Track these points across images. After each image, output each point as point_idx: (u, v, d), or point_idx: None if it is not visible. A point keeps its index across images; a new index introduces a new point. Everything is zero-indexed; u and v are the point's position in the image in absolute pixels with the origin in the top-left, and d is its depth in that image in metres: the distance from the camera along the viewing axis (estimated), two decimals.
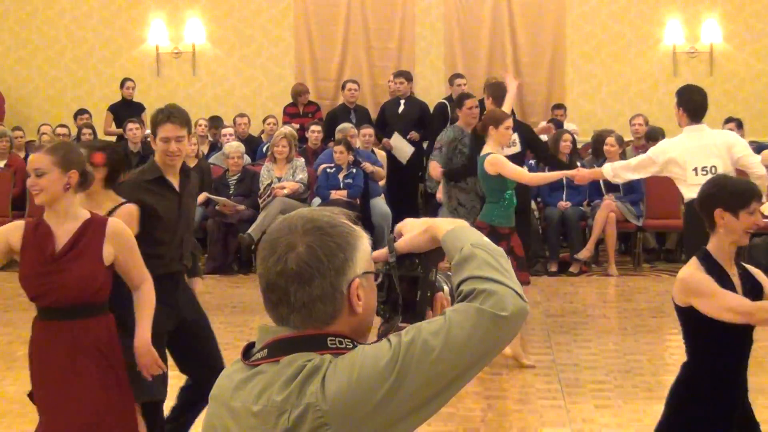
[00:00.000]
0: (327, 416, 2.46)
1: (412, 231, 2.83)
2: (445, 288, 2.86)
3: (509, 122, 9.60)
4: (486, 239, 2.71)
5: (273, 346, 2.62)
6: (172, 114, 6.57)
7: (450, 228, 2.76)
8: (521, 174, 9.66)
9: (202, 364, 6.77)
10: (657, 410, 8.48)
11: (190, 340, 6.76)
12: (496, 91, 11.50)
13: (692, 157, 9.02)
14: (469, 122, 11.56)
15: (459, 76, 16.50)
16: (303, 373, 2.51)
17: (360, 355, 2.53)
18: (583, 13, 18.09)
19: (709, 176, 8.73)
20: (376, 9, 18.28)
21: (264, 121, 16.96)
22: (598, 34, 18.09)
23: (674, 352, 10.20)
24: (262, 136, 16.77)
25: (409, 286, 2.80)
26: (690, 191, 8.75)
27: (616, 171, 9.41)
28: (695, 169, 8.96)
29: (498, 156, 9.39)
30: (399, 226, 2.85)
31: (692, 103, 9.28)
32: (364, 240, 2.70)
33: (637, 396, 8.63)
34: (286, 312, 2.62)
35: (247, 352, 2.70)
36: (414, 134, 15.98)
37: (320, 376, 2.50)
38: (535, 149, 12.13)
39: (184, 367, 6.91)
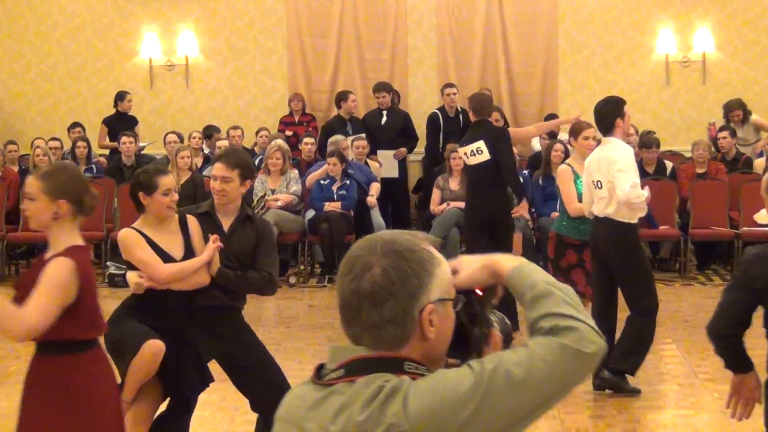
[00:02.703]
0: None
1: (470, 267, 2.84)
2: (496, 326, 2.90)
3: (589, 132, 9.77)
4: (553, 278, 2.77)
5: (350, 366, 2.64)
6: (224, 155, 6.78)
7: (515, 265, 2.80)
8: (570, 199, 9.67)
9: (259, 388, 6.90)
10: (652, 420, 8.51)
11: (242, 375, 6.90)
12: (475, 103, 11.55)
13: (590, 170, 9.13)
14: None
15: (450, 85, 16.52)
16: (383, 393, 2.54)
17: (442, 378, 2.57)
18: (575, 22, 18.12)
19: (597, 190, 8.86)
20: (369, 21, 18.30)
21: (257, 133, 16.97)
22: (590, 44, 18.11)
23: (669, 362, 10.22)
24: (255, 148, 16.78)
25: (465, 323, 2.81)
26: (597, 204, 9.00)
27: (587, 204, 9.41)
28: (592, 182, 9.05)
29: (566, 168, 9.63)
30: (453, 263, 2.83)
31: (596, 114, 9.26)
32: (441, 267, 2.70)
33: (631, 406, 8.62)
34: (358, 331, 2.66)
35: (318, 372, 2.72)
36: (403, 150, 16.05)
37: (401, 396, 2.53)
38: (501, 154, 11.35)
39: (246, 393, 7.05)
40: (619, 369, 8.85)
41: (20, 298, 4.94)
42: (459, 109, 16.03)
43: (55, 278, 4.93)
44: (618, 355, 8.81)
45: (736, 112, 16.09)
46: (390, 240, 2.67)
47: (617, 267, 8.97)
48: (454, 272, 2.81)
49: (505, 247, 11.08)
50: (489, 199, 11.24)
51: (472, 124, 11.67)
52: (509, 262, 2.80)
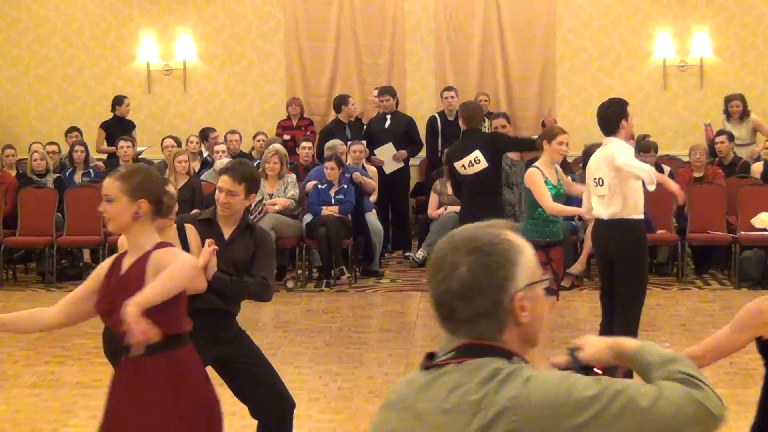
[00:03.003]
0: (523, 422, 2.58)
1: (595, 347, 2.97)
2: None
3: (563, 137, 9.88)
4: None
5: (461, 348, 2.75)
6: (231, 168, 6.76)
7: (641, 344, 2.93)
8: (544, 200, 9.75)
9: (260, 400, 6.89)
10: None
11: (240, 380, 6.88)
12: (467, 112, 11.65)
13: (591, 170, 9.24)
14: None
15: (449, 89, 16.53)
16: (501, 376, 2.64)
17: (570, 378, 2.66)
18: (573, 27, 18.13)
19: (598, 188, 9.01)
20: (367, 25, 18.31)
21: (254, 137, 16.98)
22: (588, 48, 18.13)
23: None
24: (252, 153, 16.78)
25: None
26: (594, 202, 9.16)
27: (588, 208, 9.52)
28: (594, 180, 9.17)
29: (535, 171, 9.69)
30: (579, 341, 3.00)
31: (599, 116, 9.36)
32: (524, 253, 2.80)
33: None
34: (455, 326, 2.77)
35: (426, 361, 2.82)
36: (402, 153, 16.03)
37: (519, 381, 2.62)
38: (504, 147, 11.99)
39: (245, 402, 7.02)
40: None
41: (112, 310, 4.90)
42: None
43: (182, 256, 5.09)
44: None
45: (735, 102, 16.10)
46: (471, 237, 2.77)
47: (625, 270, 9.08)
48: (578, 349, 2.97)
49: None
50: (487, 206, 11.26)
51: (463, 133, 11.74)
52: (633, 343, 2.93)
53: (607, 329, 9.08)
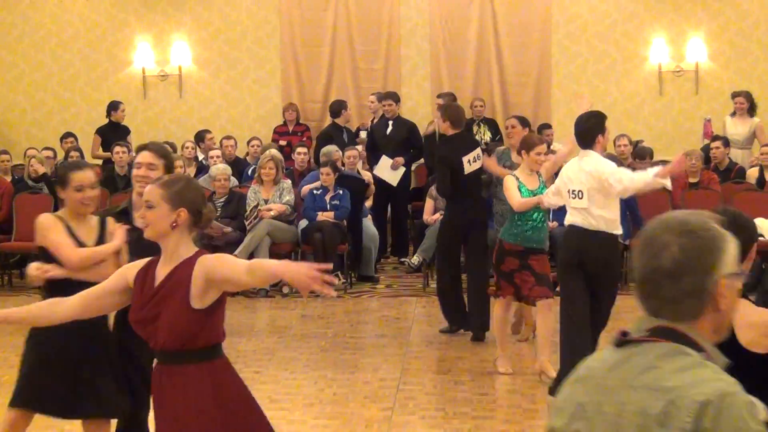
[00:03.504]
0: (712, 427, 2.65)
1: None
2: None
3: (540, 148, 10.05)
4: None
5: (656, 330, 2.86)
6: (150, 144, 6.73)
7: None
8: (512, 199, 9.95)
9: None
10: None
11: None
12: (456, 114, 11.70)
13: (565, 178, 9.24)
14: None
15: (447, 94, 16.45)
16: (698, 371, 2.74)
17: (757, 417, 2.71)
18: (568, 32, 18.15)
19: (577, 200, 9.00)
20: (362, 30, 18.32)
21: (248, 143, 16.98)
22: (583, 54, 18.15)
23: None
24: (247, 158, 16.79)
25: None
26: (570, 214, 9.18)
27: (548, 200, 9.60)
28: (570, 192, 9.13)
29: (512, 179, 9.81)
30: None
31: (577, 128, 9.36)
32: (731, 244, 2.91)
33: None
34: (657, 305, 2.88)
35: (620, 337, 2.92)
36: (399, 160, 15.99)
37: (716, 386, 2.68)
38: None
39: None
40: None
41: (150, 320, 4.90)
42: None
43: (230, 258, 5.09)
44: None
45: (740, 99, 16.07)
46: (683, 220, 2.90)
47: (608, 282, 9.11)
48: None
49: (482, 247, 11.67)
50: (471, 203, 11.63)
51: (457, 136, 11.71)
52: None
53: (572, 333, 9.04)
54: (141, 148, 6.72)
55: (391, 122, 16.28)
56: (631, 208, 13.97)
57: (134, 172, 6.65)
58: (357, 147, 15.85)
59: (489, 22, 18.10)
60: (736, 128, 16.03)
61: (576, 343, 8.73)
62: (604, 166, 8.98)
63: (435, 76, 18.27)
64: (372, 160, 16.07)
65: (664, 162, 16.33)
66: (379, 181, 15.75)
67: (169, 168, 6.60)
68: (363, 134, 16.71)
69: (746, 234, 4.58)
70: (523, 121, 12.18)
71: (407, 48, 18.38)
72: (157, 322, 4.86)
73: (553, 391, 8.95)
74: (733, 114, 16.14)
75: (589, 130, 9.17)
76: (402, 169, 16.07)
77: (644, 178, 8.92)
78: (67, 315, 5.11)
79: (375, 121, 16.74)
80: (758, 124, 16.18)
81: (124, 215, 6.64)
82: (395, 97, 16.58)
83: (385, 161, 15.92)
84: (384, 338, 11.63)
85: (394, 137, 16.16)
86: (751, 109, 16.13)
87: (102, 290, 5.12)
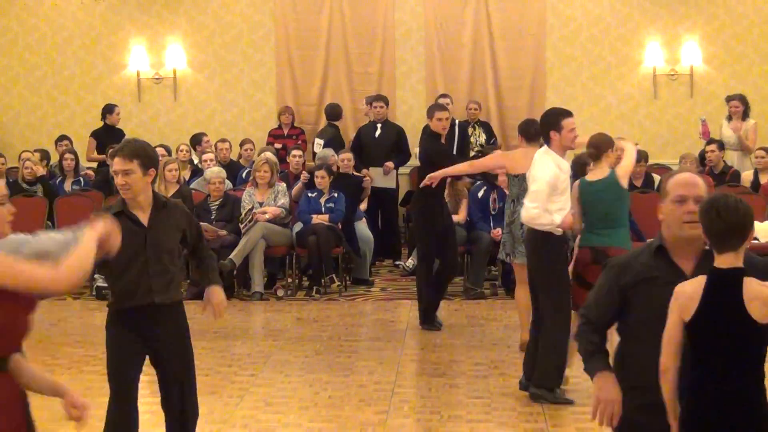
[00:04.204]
0: None
1: None
2: None
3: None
4: None
5: None
6: (120, 149, 6.53)
7: None
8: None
9: (171, 408, 6.81)
10: None
11: (164, 381, 6.79)
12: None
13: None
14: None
15: (444, 96, 16.40)
16: None
17: None
18: (563, 36, 18.16)
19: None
20: (357, 34, 18.32)
21: (241, 145, 16.98)
22: (578, 57, 18.15)
23: None
24: (241, 161, 16.78)
25: None
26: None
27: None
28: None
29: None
30: None
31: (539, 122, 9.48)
32: None
33: None
34: None
35: None
36: (389, 165, 15.98)
37: None
38: None
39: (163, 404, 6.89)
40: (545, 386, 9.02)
41: None
42: (454, 120, 15.97)
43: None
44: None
45: (734, 102, 16.06)
46: None
47: (534, 275, 9.21)
48: None
49: (453, 249, 12.16)
50: (443, 204, 12.15)
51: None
52: None
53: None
54: (113, 155, 6.56)
55: (379, 125, 16.27)
56: (630, 222, 13.98)
57: (114, 181, 6.57)
58: (347, 150, 15.81)
59: (484, 26, 18.11)
60: (731, 131, 16.02)
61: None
62: (539, 171, 9.01)
63: (430, 79, 18.27)
64: (357, 162, 15.97)
65: (659, 165, 16.40)
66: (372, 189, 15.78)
67: (145, 164, 6.46)
68: (319, 144, 16.48)
69: None
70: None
71: (402, 51, 18.38)
72: None
73: (522, 385, 9.23)
74: (729, 118, 16.13)
75: (542, 125, 9.31)
76: (393, 173, 16.10)
77: (542, 223, 8.89)
78: None
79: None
80: (753, 125, 16.18)
81: (120, 216, 6.32)
82: (385, 99, 16.59)
83: (375, 172, 15.93)
84: (379, 341, 11.62)
85: (383, 140, 16.15)
86: (746, 112, 16.14)
87: None
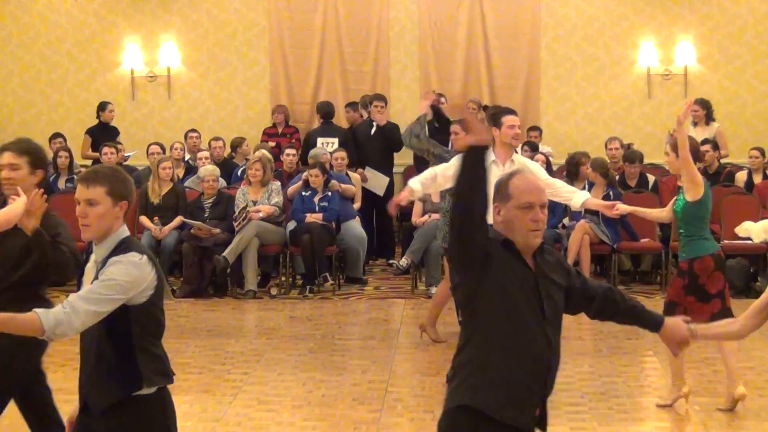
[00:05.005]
0: None
1: None
2: None
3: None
4: None
5: None
6: (11, 144, 6.40)
7: None
8: None
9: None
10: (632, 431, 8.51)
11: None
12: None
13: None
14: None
15: (438, 95, 16.40)
16: None
17: None
18: (557, 35, 18.17)
19: None
20: (351, 32, 18.33)
21: (236, 148, 16.96)
22: (572, 57, 18.17)
23: (650, 374, 10.23)
24: (234, 160, 16.76)
25: None
26: None
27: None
28: None
29: None
30: None
31: None
32: None
33: (612, 418, 8.61)
34: None
35: None
36: (364, 174, 15.96)
37: None
38: None
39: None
40: None
41: None
42: (447, 118, 15.99)
43: None
44: None
45: (694, 107, 16.03)
46: None
47: None
48: None
49: None
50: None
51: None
52: None
53: None
54: (1, 150, 6.38)
55: (375, 123, 16.23)
56: (625, 223, 14.02)
57: None
58: (342, 149, 15.74)
59: (478, 25, 18.12)
60: (699, 136, 16.02)
61: None
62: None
63: (424, 78, 18.28)
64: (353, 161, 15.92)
65: (653, 165, 16.41)
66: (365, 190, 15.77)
67: (34, 163, 6.32)
68: (333, 144, 16.44)
69: None
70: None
71: (396, 50, 18.39)
72: None
73: None
74: (695, 123, 16.06)
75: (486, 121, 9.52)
76: (386, 179, 16.03)
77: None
78: None
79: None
80: (718, 129, 16.20)
81: None
82: (385, 99, 16.58)
83: (370, 172, 15.90)
84: (372, 340, 11.62)
85: (378, 138, 16.11)
86: (708, 116, 16.15)
87: None
